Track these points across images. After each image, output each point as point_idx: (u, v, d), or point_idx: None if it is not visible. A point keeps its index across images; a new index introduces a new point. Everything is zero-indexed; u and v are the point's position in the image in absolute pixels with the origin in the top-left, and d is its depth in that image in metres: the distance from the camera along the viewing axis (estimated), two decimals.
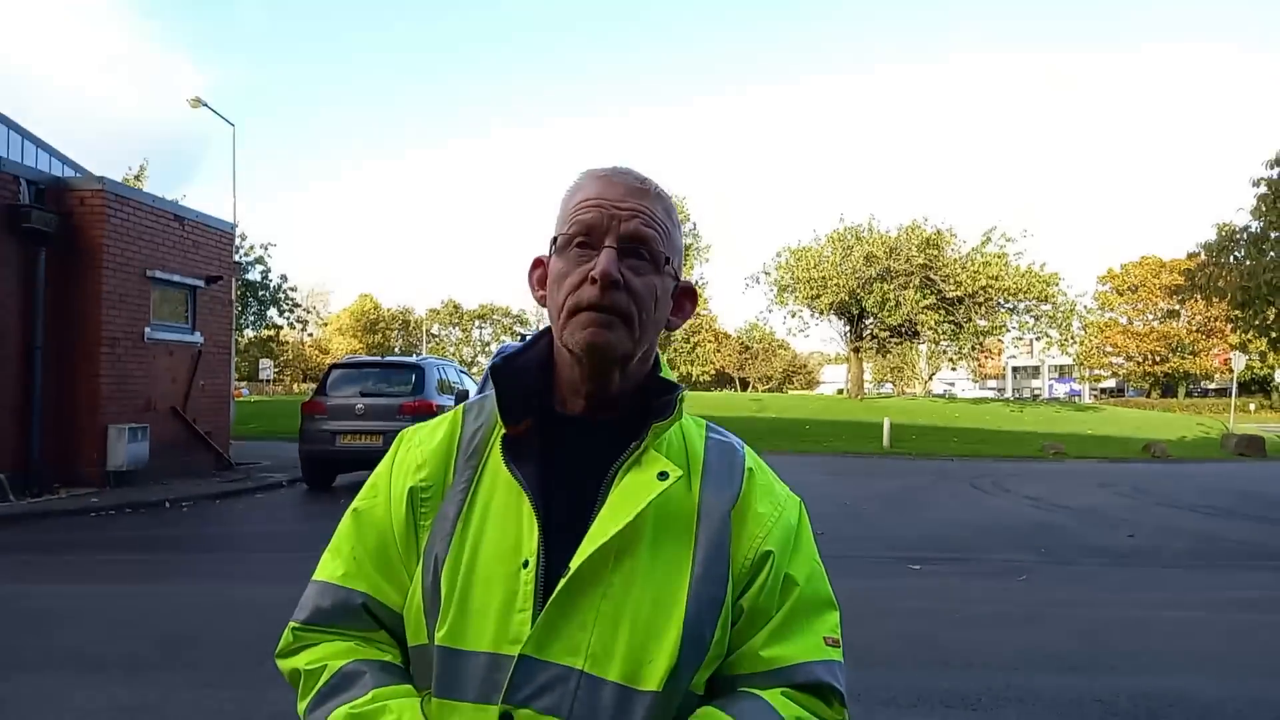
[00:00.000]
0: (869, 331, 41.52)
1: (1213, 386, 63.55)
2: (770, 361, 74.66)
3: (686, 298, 1.19)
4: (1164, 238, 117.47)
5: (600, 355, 1.08)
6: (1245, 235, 16.03)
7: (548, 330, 1.17)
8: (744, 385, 73.18)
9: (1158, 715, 4.35)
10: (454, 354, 71.60)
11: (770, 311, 43.33)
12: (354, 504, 1.20)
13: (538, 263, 1.19)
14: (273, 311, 37.53)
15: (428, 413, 11.40)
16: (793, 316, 42.27)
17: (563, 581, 1.02)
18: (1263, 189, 15.45)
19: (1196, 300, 18.41)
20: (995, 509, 12.99)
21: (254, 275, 35.32)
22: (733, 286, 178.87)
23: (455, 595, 1.05)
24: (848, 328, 41.99)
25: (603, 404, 1.12)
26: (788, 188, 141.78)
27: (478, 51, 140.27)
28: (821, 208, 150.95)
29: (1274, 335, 16.70)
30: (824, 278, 39.54)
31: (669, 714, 1.03)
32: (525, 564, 1.04)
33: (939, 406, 39.59)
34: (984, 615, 6.54)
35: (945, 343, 41.60)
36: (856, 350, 42.19)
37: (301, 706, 1.11)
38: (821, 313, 41.15)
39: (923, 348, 46.68)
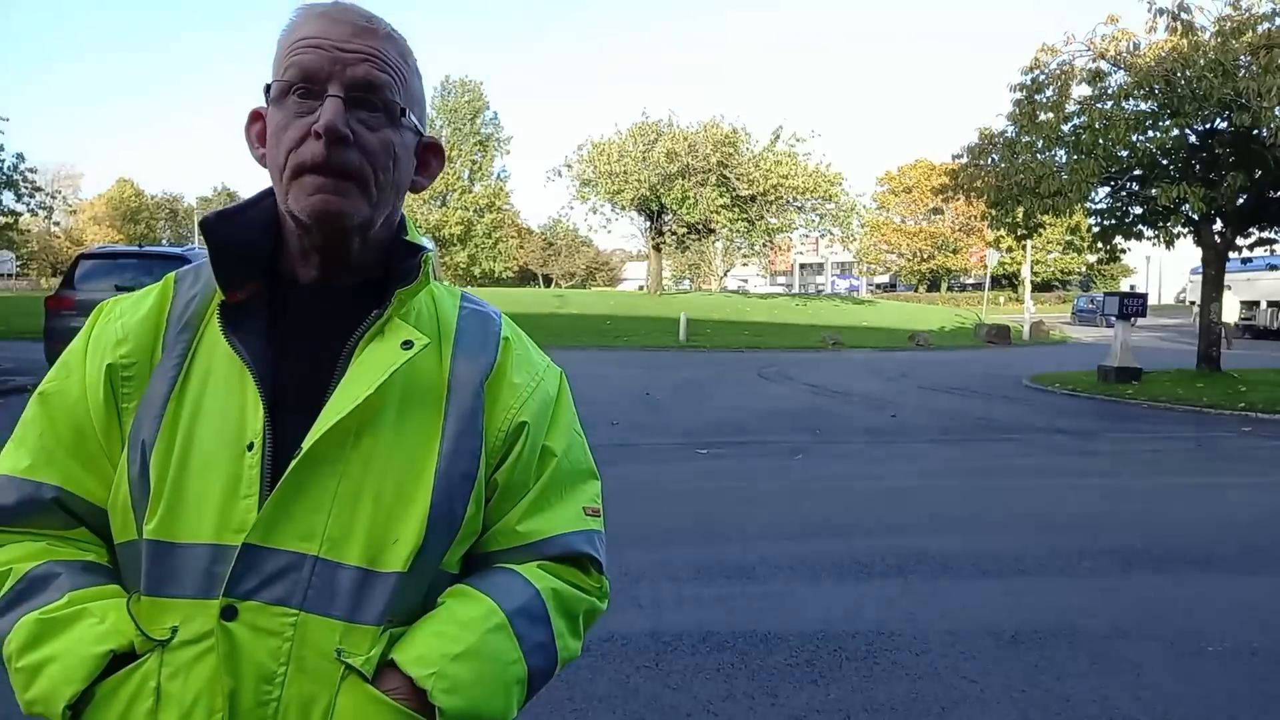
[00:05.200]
0: (668, 228, 42.32)
1: (970, 281, 70.26)
2: (573, 258, 74.57)
3: (432, 154, 1.07)
4: (940, 142, 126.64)
5: (331, 224, 0.95)
6: (1001, 139, 17.36)
7: (271, 189, 1.01)
8: (548, 282, 72.90)
9: (904, 570, 4.87)
10: None
11: (572, 207, 43.12)
12: (41, 387, 1.03)
13: (255, 116, 1.02)
14: (8, 195, 32.72)
15: None
16: (594, 213, 42.31)
17: (293, 463, 0.91)
18: (1018, 95, 16.67)
19: (958, 200, 19.97)
20: (778, 395, 13.89)
21: None
22: (536, 180, 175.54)
23: (167, 484, 0.93)
24: (648, 224, 42.56)
25: (340, 271, 1.01)
26: (591, 80, 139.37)
27: None
28: (624, 102, 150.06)
29: (1020, 233, 18.42)
30: (625, 172, 39.60)
31: (418, 594, 0.97)
32: (250, 446, 0.93)
33: (733, 302, 41.48)
34: (763, 492, 7.01)
35: (739, 240, 43.26)
36: (657, 247, 42.95)
37: None
38: (623, 208, 41.40)
39: (718, 245, 48.30)
